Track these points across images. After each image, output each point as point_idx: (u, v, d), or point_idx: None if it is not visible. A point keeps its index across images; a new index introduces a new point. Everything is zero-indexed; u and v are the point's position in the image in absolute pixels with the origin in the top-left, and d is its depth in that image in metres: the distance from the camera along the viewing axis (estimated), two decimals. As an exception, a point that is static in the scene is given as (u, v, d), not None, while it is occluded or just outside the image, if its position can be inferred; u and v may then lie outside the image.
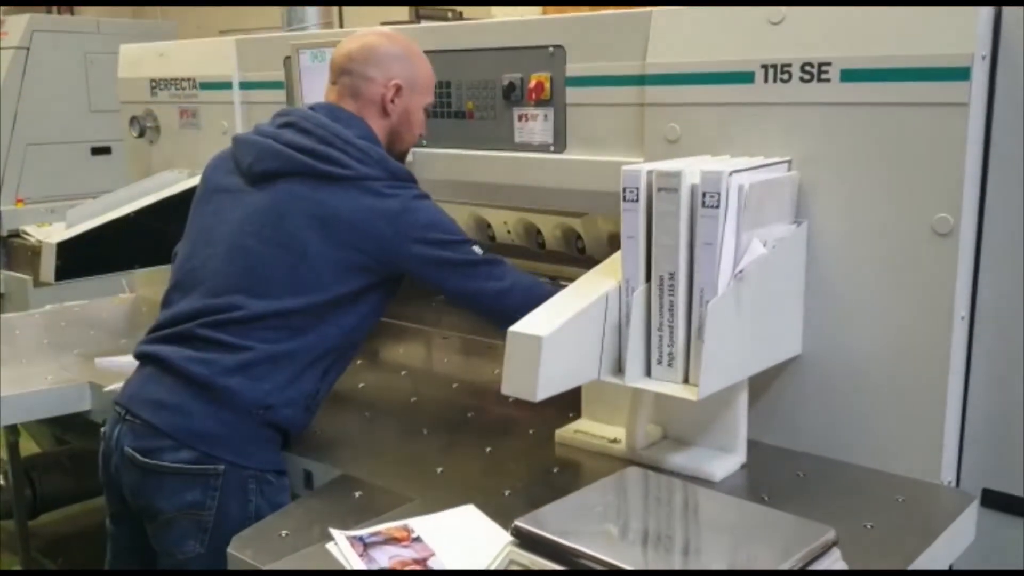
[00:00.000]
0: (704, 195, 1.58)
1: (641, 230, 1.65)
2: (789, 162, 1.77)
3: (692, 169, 1.61)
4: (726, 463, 1.76)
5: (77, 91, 5.34)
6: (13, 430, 2.86)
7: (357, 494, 1.73)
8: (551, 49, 2.11)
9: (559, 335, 1.58)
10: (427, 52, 2.18)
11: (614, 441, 1.87)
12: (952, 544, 1.60)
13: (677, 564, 1.23)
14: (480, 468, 1.87)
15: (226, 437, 1.82)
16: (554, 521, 1.31)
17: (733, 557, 1.28)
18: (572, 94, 2.10)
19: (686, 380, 1.65)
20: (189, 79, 2.97)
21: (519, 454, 1.92)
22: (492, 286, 1.91)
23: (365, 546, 1.50)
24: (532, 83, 2.13)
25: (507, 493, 1.72)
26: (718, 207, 1.58)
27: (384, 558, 1.47)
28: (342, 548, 1.49)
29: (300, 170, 1.89)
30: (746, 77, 1.81)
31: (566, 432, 1.94)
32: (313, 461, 1.90)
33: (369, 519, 1.59)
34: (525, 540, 1.28)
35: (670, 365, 1.66)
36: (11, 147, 5.17)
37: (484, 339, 2.70)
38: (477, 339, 2.72)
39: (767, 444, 1.86)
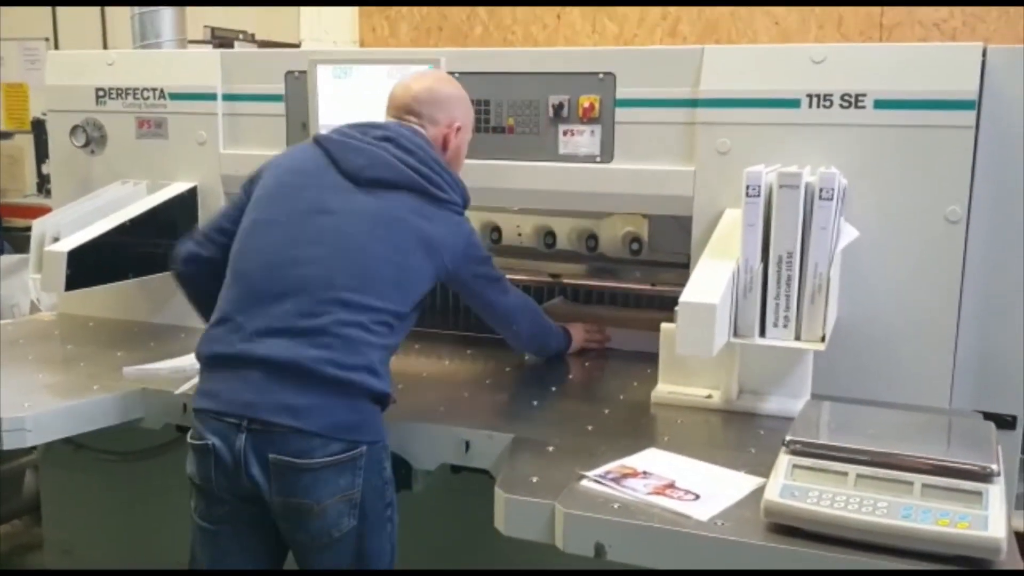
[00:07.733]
0: (821, 190, 2.05)
1: (760, 219, 2.08)
2: (834, 170, 2.29)
3: (803, 171, 2.07)
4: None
5: None
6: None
7: (550, 448, 1.98)
8: (601, 75, 2.48)
9: (721, 303, 1.97)
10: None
11: (708, 397, 2.27)
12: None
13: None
14: (612, 426, 2.18)
15: (364, 422, 1.96)
16: (815, 432, 1.70)
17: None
18: (620, 113, 2.48)
19: (797, 337, 2.10)
20: (154, 89, 2.94)
21: (629, 416, 2.25)
22: (502, 300, 2.36)
23: (614, 481, 1.78)
24: (585, 104, 2.49)
25: (666, 439, 2.06)
26: (832, 199, 2.05)
27: (640, 486, 1.76)
28: (599, 485, 1.76)
29: (410, 185, 2.09)
30: (793, 103, 2.31)
31: (659, 394, 2.31)
32: (470, 431, 2.11)
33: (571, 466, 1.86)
34: (799, 449, 1.65)
35: (785, 326, 2.11)
36: None
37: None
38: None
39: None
